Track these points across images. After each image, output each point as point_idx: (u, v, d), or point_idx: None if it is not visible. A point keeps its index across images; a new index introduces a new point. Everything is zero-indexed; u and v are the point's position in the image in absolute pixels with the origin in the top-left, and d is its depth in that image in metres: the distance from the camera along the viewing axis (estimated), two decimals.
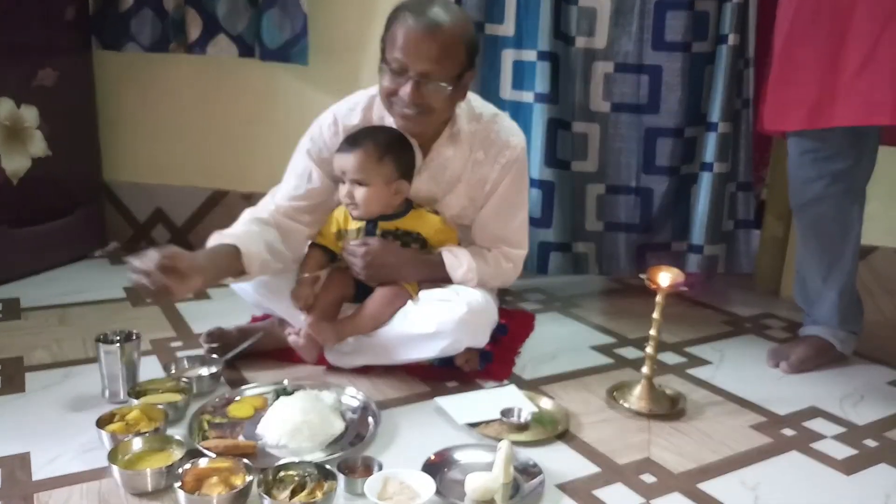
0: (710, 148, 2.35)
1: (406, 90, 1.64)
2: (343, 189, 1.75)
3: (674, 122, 2.38)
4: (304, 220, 1.84)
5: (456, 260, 1.81)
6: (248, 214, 1.80)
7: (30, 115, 2.47)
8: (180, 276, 1.47)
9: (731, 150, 2.39)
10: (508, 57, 2.39)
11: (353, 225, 1.81)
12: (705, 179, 2.37)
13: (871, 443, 1.63)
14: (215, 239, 1.68)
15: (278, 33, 2.57)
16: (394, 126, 1.77)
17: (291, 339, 1.75)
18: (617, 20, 2.33)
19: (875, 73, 1.70)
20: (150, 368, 1.79)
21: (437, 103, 1.68)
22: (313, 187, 1.83)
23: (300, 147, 1.85)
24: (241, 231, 1.71)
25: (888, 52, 1.68)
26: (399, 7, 1.68)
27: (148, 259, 1.45)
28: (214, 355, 1.81)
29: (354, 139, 1.73)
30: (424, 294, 1.78)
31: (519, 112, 2.38)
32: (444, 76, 1.65)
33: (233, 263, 1.64)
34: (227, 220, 2.83)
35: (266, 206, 1.83)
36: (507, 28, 2.37)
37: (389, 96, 1.69)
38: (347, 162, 1.72)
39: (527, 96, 2.37)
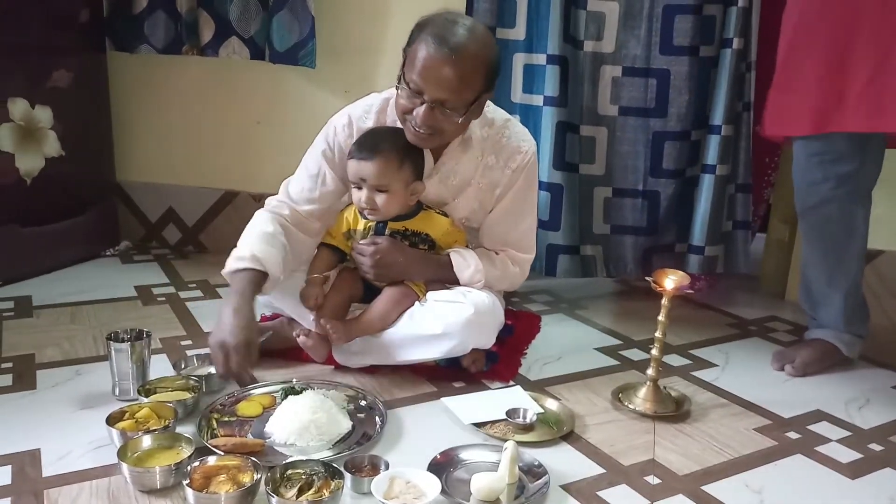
0: (712, 150, 2.35)
1: (419, 112, 1.64)
2: (360, 195, 1.75)
3: (681, 126, 2.39)
4: (314, 227, 1.85)
5: (463, 261, 1.82)
6: (265, 223, 1.78)
7: (44, 115, 2.50)
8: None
9: (732, 153, 2.40)
10: (519, 61, 2.40)
11: (363, 224, 1.83)
12: (706, 181, 2.38)
13: (876, 447, 1.63)
14: (244, 260, 1.67)
15: (287, 36, 2.58)
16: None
17: (301, 339, 1.76)
18: (625, 24, 2.34)
19: (887, 80, 1.71)
20: (159, 366, 1.81)
21: (449, 127, 1.68)
22: (327, 190, 1.84)
23: (315, 147, 1.85)
24: (266, 253, 1.69)
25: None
26: (425, 23, 1.65)
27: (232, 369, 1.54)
28: None
29: (371, 146, 1.72)
30: (431, 295, 1.79)
31: (528, 115, 2.40)
32: (459, 103, 1.64)
33: (260, 286, 1.69)
34: (238, 220, 2.86)
35: (280, 210, 1.82)
36: (518, 32, 2.38)
37: (404, 113, 1.69)
38: (367, 169, 1.71)
39: (536, 99, 2.39)
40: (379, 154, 1.70)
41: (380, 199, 1.74)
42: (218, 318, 1.58)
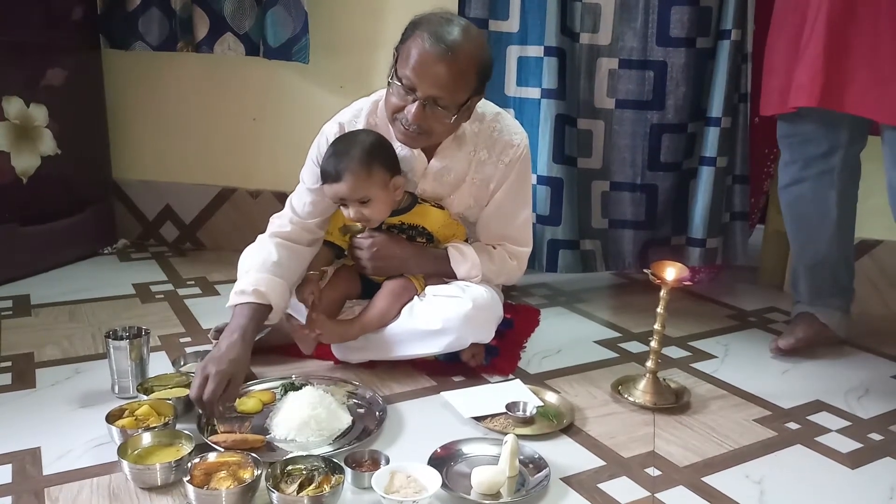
0: (711, 142, 2.35)
1: (411, 110, 1.63)
2: (349, 211, 1.73)
3: (678, 119, 2.39)
4: (320, 235, 1.85)
5: (461, 256, 1.82)
6: (268, 251, 1.75)
7: (39, 113, 2.49)
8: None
9: (729, 144, 2.41)
10: (513, 53, 2.39)
11: None
12: (705, 174, 2.38)
13: (875, 436, 1.63)
14: (247, 294, 1.65)
15: (280, 31, 2.58)
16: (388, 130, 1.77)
17: (293, 330, 1.76)
18: (621, 16, 2.33)
19: (803, 60, 1.83)
20: (158, 364, 1.81)
21: (439, 127, 1.68)
22: (328, 201, 1.80)
23: (310, 159, 1.82)
24: (269, 284, 1.68)
25: (813, 41, 1.80)
26: (419, 21, 1.65)
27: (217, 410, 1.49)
28: None
29: (334, 167, 1.68)
30: (430, 290, 1.79)
31: (524, 108, 2.39)
32: (451, 102, 1.63)
33: (263, 319, 1.68)
34: (235, 217, 2.88)
35: (283, 229, 1.80)
36: (512, 24, 2.38)
37: (395, 112, 1.67)
38: (342, 189, 1.69)
39: (533, 92, 2.38)
40: (345, 173, 1.67)
41: (366, 210, 1.73)
42: (216, 346, 1.57)
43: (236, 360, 1.53)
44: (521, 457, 1.41)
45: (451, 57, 1.59)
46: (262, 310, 1.66)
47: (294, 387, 1.65)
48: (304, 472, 1.30)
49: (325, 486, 1.27)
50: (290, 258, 1.77)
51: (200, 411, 1.50)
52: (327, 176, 1.71)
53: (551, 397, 1.71)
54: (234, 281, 1.82)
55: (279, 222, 1.82)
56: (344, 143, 1.72)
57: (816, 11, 1.81)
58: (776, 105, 1.95)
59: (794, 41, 1.88)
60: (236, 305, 1.66)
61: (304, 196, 1.82)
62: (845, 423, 1.69)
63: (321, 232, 1.85)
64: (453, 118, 1.67)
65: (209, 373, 1.48)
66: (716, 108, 2.33)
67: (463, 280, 1.82)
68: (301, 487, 1.27)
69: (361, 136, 1.73)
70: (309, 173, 1.82)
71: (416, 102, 1.62)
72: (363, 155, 1.68)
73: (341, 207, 1.76)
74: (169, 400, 1.53)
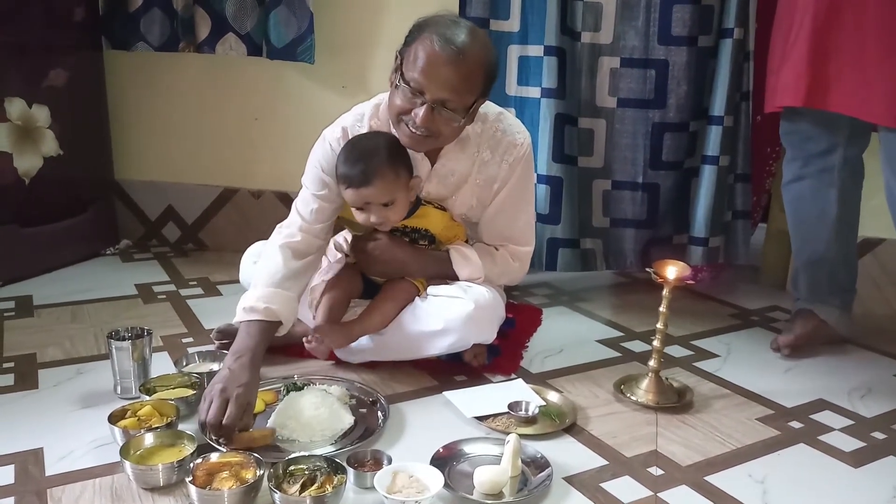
0: (713, 141, 2.35)
1: (419, 113, 1.60)
2: (366, 216, 1.70)
3: (680, 117, 2.38)
4: (326, 241, 1.84)
5: (463, 259, 1.81)
6: (278, 263, 1.71)
7: (41, 114, 2.49)
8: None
9: (731, 143, 2.41)
10: (514, 53, 2.39)
11: None
12: (707, 172, 2.37)
13: (878, 435, 1.63)
14: (257, 312, 1.62)
15: (285, 32, 2.58)
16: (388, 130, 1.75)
17: (306, 343, 1.74)
18: (623, 15, 2.33)
19: (789, 59, 1.86)
20: (161, 364, 1.80)
21: (447, 130, 1.65)
22: (334, 206, 1.79)
23: (314, 164, 1.78)
24: (280, 300, 1.65)
25: (800, 41, 1.83)
26: (425, 24, 1.62)
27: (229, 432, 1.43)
28: (225, 351, 1.82)
29: (362, 170, 1.64)
30: (432, 290, 1.79)
31: (525, 108, 2.39)
32: (459, 105, 1.61)
33: (272, 336, 1.65)
34: (237, 217, 2.88)
35: (293, 238, 1.75)
36: (513, 24, 2.37)
37: (400, 115, 1.64)
38: (370, 194, 1.66)
39: (533, 92, 2.38)
40: (374, 175, 1.64)
41: (391, 213, 1.71)
42: (224, 366, 1.53)
43: (252, 385, 1.50)
44: (524, 456, 1.41)
45: (461, 59, 1.56)
46: (271, 327, 1.63)
47: (296, 387, 1.65)
48: (307, 473, 1.30)
49: (328, 487, 1.27)
50: (300, 270, 1.74)
51: (214, 436, 1.42)
52: (352, 180, 1.66)
53: (553, 397, 1.71)
54: (236, 282, 1.83)
55: (288, 231, 1.77)
56: (364, 146, 1.69)
57: (804, 12, 1.82)
58: (769, 103, 1.98)
59: (786, 41, 1.89)
60: (244, 321, 1.63)
61: (309, 202, 1.78)
62: (848, 422, 1.69)
63: (327, 238, 1.84)
64: (462, 121, 1.66)
65: (229, 396, 1.43)
66: (718, 106, 2.32)
67: (465, 281, 1.81)
68: (303, 488, 1.27)
69: (380, 139, 1.70)
70: (312, 179, 1.78)
71: (425, 105, 1.59)
72: (388, 157, 1.66)
73: (355, 211, 1.73)
74: (171, 400, 1.53)
